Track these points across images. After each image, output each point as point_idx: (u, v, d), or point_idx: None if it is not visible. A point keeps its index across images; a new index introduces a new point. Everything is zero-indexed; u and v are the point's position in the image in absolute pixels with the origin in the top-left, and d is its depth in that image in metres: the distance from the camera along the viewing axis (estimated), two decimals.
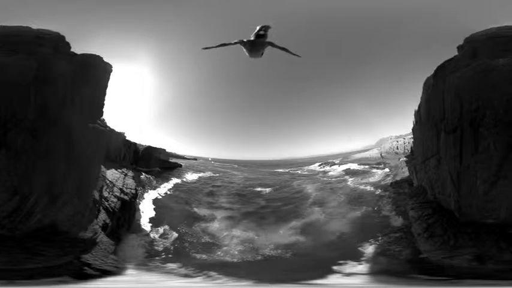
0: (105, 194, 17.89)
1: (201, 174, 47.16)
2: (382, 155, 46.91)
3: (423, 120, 18.13)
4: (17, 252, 10.58)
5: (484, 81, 13.12)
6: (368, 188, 30.39)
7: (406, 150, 37.72)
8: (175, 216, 22.34)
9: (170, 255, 15.90)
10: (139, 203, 23.96)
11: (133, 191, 21.69)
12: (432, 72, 17.09)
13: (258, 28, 5.06)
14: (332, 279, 12.85)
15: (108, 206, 17.06)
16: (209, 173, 51.25)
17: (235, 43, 5.29)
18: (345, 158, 61.85)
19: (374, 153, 53.03)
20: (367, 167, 44.66)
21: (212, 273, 13.40)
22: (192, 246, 17.30)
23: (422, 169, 18.12)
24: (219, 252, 16.52)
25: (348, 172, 44.65)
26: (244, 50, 5.27)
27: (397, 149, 43.17)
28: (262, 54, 5.37)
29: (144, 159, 38.81)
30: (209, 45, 5.34)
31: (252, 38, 5.10)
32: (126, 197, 19.70)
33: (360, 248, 16.16)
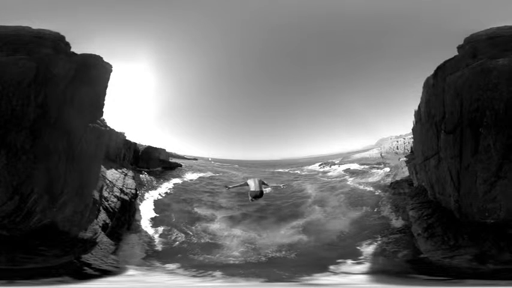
0: (105, 194, 17.91)
1: (201, 174, 47.08)
2: (382, 155, 46.75)
3: (423, 120, 18.11)
4: (17, 252, 10.59)
5: (484, 81, 13.11)
6: (368, 188, 30.36)
7: (406, 150, 37.65)
8: (176, 216, 22.32)
9: (170, 255, 15.89)
10: (140, 203, 23.95)
11: (133, 191, 21.71)
12: (432, 72, 17.08)
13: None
14: (332, 278, 12.85)
15: (108, 206, 17.08)
16: (209, 173, 51.14)
17: (245, 183, 7.08)
18: (345, 158, 61.57)
19: (374, 153, 52.81)
20: (367, 167, 44.57)
21: (213, 273, 13.41)
22: (192, 246, 17.29)
23: (422, 169, 18.12)
24: (219, 252, 16.50)
25: (348, 172, 44.61)
26: (251, 189, 6.39)
27: (397, 149, 43.05)
28: (262, 193, 6.88)
29: (144, 159, 38.78)
30: (229, 186, 7.95)
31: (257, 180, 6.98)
32: (126, 197, 19.72)
33: (359, 248, 16.16)
